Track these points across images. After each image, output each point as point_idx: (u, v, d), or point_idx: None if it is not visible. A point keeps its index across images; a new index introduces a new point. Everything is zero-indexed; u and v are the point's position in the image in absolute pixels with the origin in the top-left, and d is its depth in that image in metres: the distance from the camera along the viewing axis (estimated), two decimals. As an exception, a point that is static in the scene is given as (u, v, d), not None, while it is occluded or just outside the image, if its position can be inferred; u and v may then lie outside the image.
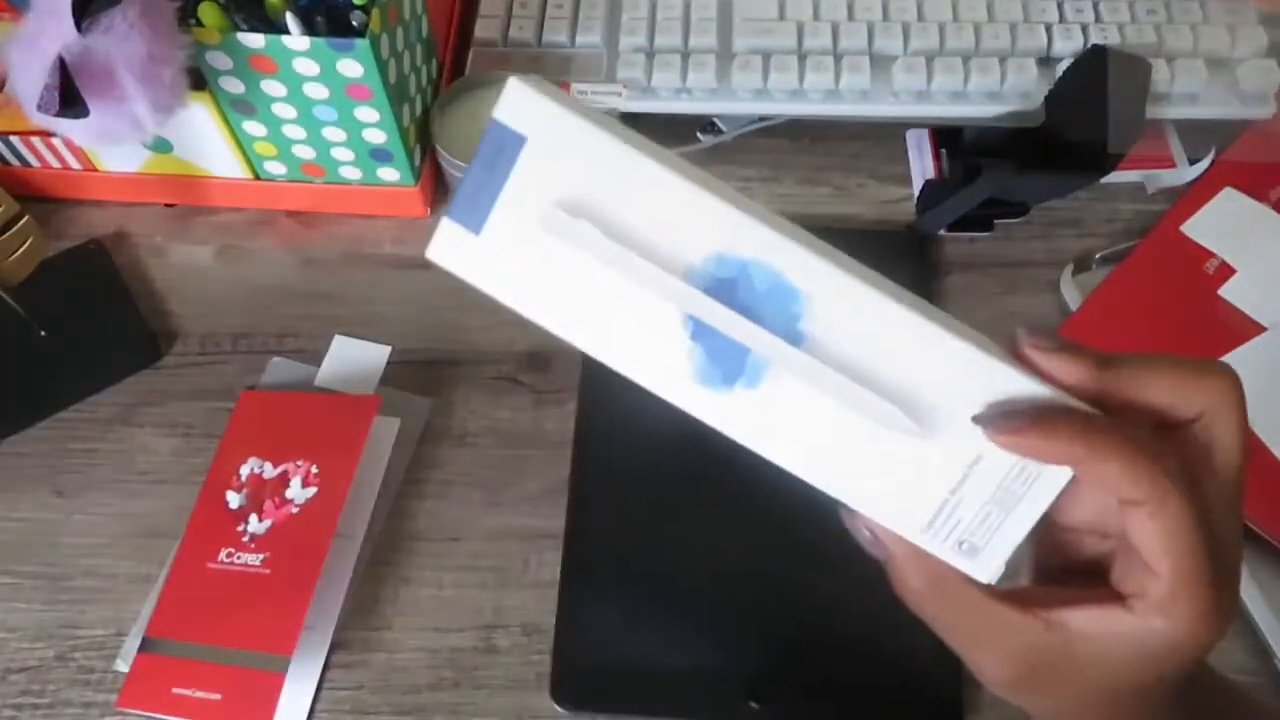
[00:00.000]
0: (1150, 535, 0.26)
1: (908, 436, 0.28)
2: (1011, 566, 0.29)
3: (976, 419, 0.28)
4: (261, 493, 0.51)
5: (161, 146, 0.58)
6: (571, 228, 0.27)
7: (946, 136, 0.63)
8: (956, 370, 0.28)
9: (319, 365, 0.56)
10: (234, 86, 0.53)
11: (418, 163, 0.59)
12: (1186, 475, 0.27)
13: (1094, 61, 0.59)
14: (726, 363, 0.28)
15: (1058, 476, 0.28)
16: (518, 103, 0.27)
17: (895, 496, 0.29)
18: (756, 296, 0.28)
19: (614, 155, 0.27)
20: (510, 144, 0.27)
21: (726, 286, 0.28)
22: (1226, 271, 0.55)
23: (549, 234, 0.28)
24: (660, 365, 0.29)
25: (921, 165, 0.62)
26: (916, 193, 0.61)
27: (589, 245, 0.28)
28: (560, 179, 0.27)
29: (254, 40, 0.50)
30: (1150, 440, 0.27)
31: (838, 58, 0.60)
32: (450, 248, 0.28)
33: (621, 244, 0.28)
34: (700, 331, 0.28)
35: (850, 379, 0.28)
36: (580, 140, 0.27)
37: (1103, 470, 0.26)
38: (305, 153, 0.58)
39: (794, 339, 0.28)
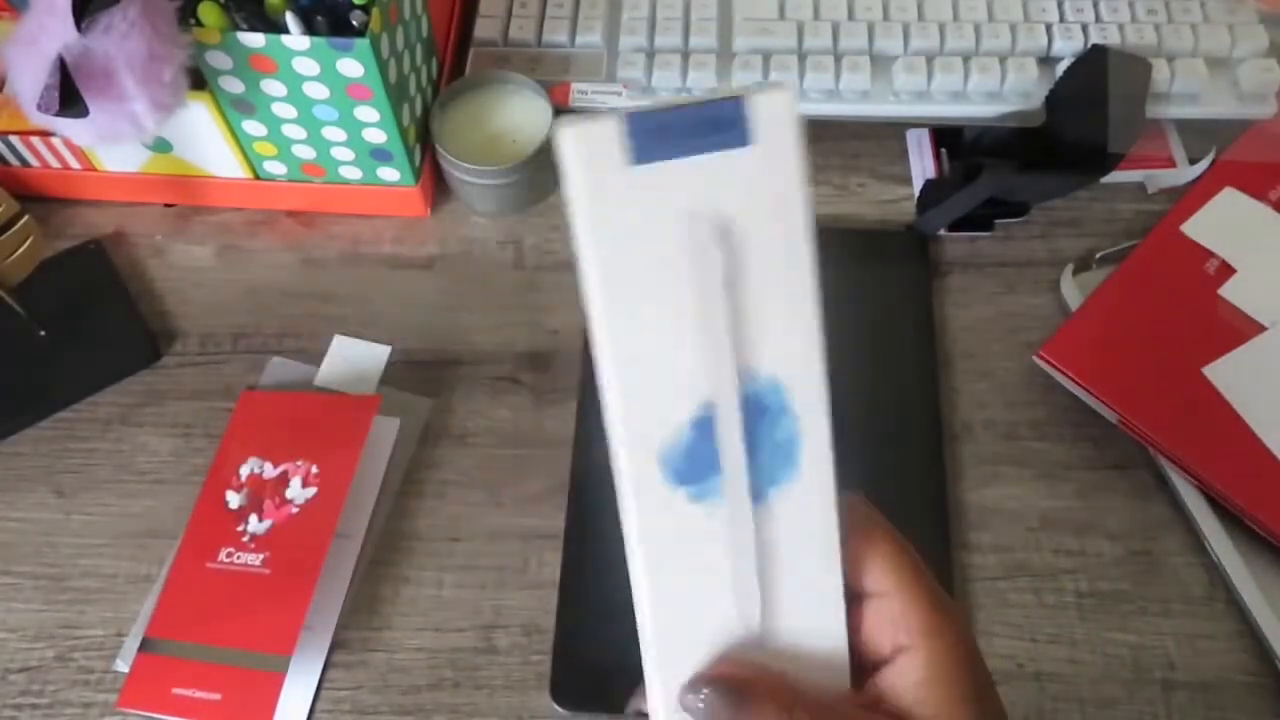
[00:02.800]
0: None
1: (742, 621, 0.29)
2: None
3: None
4: (261, 493, 0.51)
5: (161, 146, 0.58)
6: (700, 244, 0.25)
7: (946, 136, 0.63)
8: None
9: (319, 365, 0.56)
10: (234, 86, 0.53)
11: (418, 163, 0.59)
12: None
13: (1094, 61, 0.59)
14: (693, 466, 0.27)
15: None
16: (778, 111, 0.25)
17: (705, 650, 0.29)
18: (767, 441, 0.27)
19: (791, 225, 0.25)
20: (733, 133, 0.25)
21: (756, 411, 0.27)
22: (1227, 271, 0.55)
23: (672, 223, 0.25)
24: (647, 411, 0.27)
25: (921, 165, 0.62)
26: (917, 193, 0.61)
27: (698, 271, 0.25)
28: (732, 196, 0.25)
29: (254, 40, 0.50)
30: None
31: (838, 57, 0.60)
32: (592, 147, 0.24)
33: (724, 300, 0.26)
34: (702, 426, 0.27)
35: (758, 559, 0.28)
36: (782, 189, 0.25)
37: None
38: (305, 152, 0.58)
39: (757, 498, 0.27)
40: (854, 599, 0.29)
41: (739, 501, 0.27)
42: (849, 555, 0.29)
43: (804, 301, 0.26)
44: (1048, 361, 0.53)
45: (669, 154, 0.25)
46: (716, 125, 0.25)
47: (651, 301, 0.26)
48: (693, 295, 0.26)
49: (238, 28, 0.51)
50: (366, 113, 0.54)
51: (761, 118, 0.25)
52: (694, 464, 0.27)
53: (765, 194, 0.25)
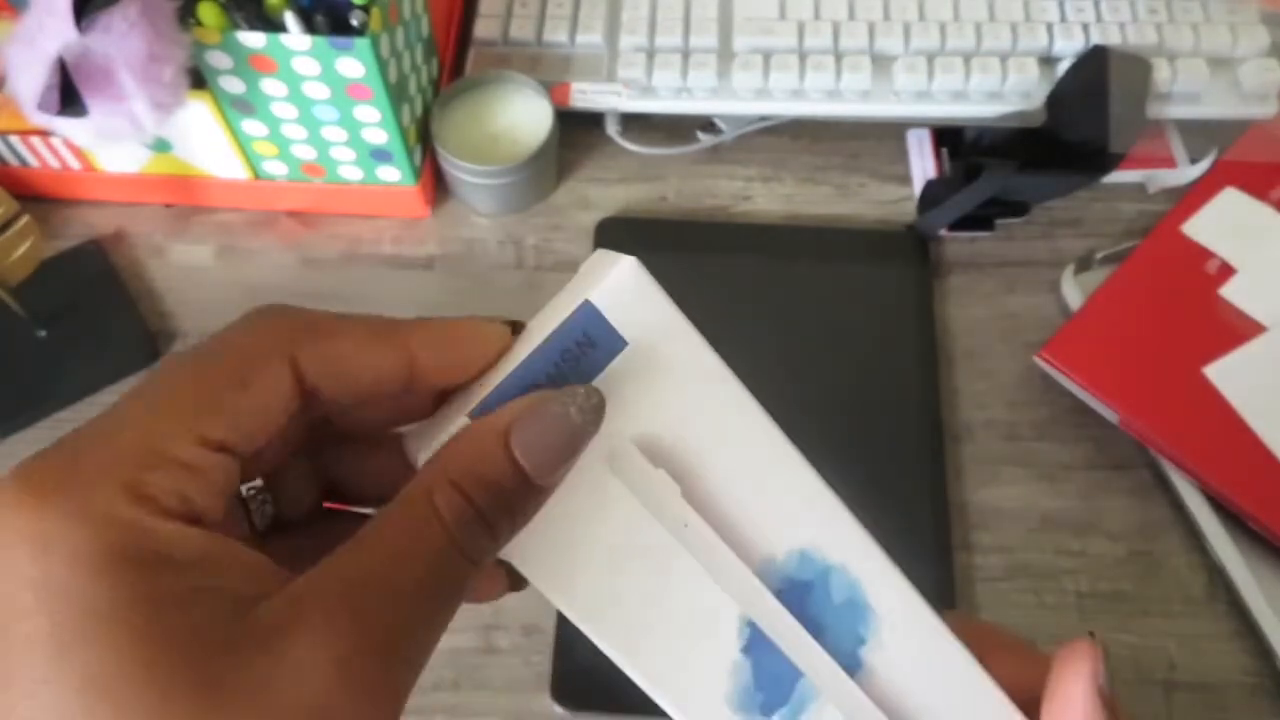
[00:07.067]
0: None
1: None
2: None
3: None
4: (261, 493, 0.51)
5: (161, 146, 0.58)
6: (645, 477, 0.21)
7: (947, 136, 0.63)
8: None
9: (319, 365, 0.56)
10: (234, 86, 0.53)
11: (418, 162, 0.59)
12: None
13: (1095, 61, 0.59)
14: (772, 688, 0.23)
15: None
16: (631, 295, 0.20)
17: None
18: (828, 609, 0.23)
19: (727, 399, 0.21)
20: (602, 344, 0.20)
21: (801, 591, 0.23)
22: (1227, 271, 0.55)
23: (609, 474, 0.21)
24: (693, 677, 0.23)
25: (922, 165, 0.62)
26: (917, 193, 0.61)
27: (660, 505, 0.21)
28: (649, 408, 0.21)
29: (254, 39, 0.50)
30: None
31: (838, 57, 0.60)
32: None
33: (701, 513, 0.22)
34: (756, 644, 0.23)
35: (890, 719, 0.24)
36: (693, 369, 0.21)
37: None
38: (305, 152, 0.58)
39: (852, 666, 0.24)
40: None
41: (839, 686, 0.24)
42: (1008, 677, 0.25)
43: (780, 453, 0.22)
44: (1048, 361, 0.53)
45: None
46: (582, 350, 0.20)
47: (633, 582, 0.22)
48: (665, 538, 0.22)
49: (238, 27, 0.51)
50: (366, 113, 0.54)
51: (620, 303, 0.20)
52: (772, 685, 0.23)
53: (673, 381, 0.21)
